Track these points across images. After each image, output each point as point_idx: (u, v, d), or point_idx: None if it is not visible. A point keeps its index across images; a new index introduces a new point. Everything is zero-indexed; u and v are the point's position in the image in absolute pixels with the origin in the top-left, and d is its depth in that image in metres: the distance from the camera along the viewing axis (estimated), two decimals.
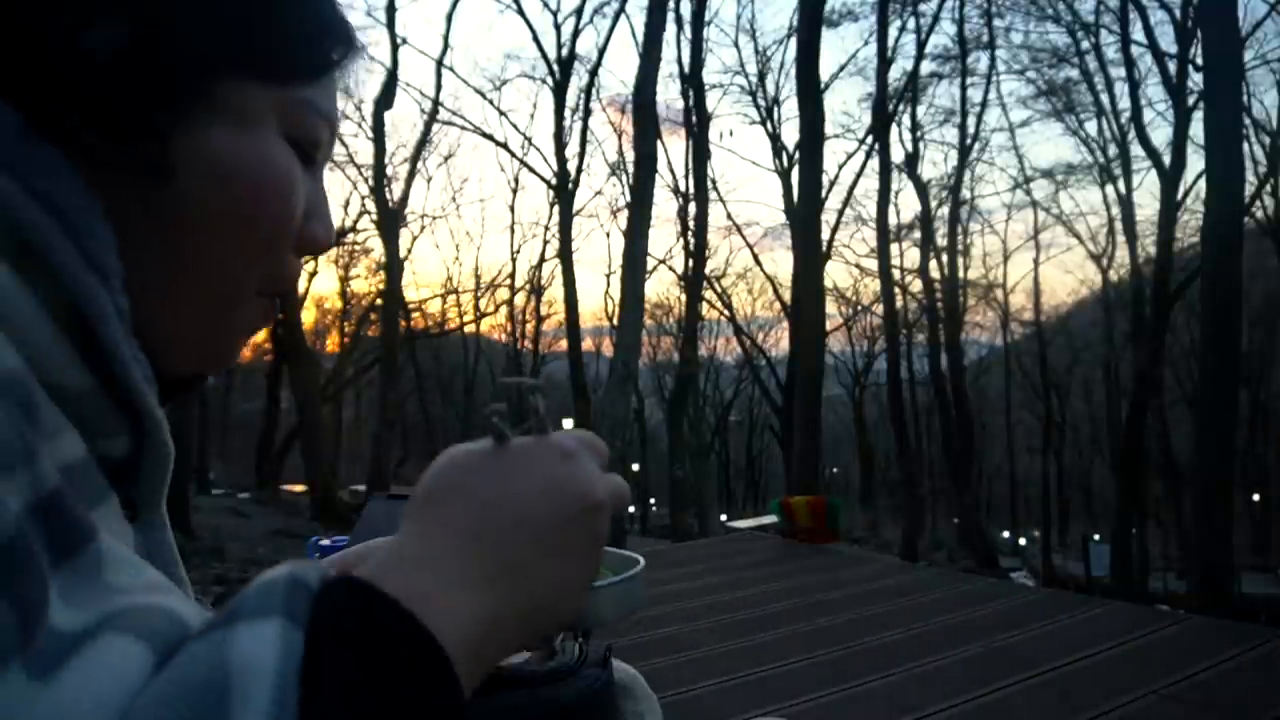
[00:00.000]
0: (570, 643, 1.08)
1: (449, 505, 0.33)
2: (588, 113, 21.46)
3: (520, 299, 27.52)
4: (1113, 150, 20.49)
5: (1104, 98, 19.85)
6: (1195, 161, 18.47)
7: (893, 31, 20.26)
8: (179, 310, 0.36)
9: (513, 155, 25.63)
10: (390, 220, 18.90)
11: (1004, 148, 41.56)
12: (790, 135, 21.29)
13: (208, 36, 0.34)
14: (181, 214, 0.34)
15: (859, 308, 27.49)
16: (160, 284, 0.35)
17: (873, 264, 23.08)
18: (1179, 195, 16.07)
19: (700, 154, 19.18)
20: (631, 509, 26.06)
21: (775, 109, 23.10)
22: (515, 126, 46.68)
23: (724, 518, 22.86)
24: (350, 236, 23.74)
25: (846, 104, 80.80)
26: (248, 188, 0.35)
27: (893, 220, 22.28)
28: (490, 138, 23.25)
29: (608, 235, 40.87)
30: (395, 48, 18.43)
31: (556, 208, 21.93)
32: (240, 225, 0.36)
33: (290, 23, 0.37)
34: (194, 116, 0.34)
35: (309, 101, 0.38)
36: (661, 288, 29.57)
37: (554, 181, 21.40)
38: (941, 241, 22.65)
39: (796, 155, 17.25)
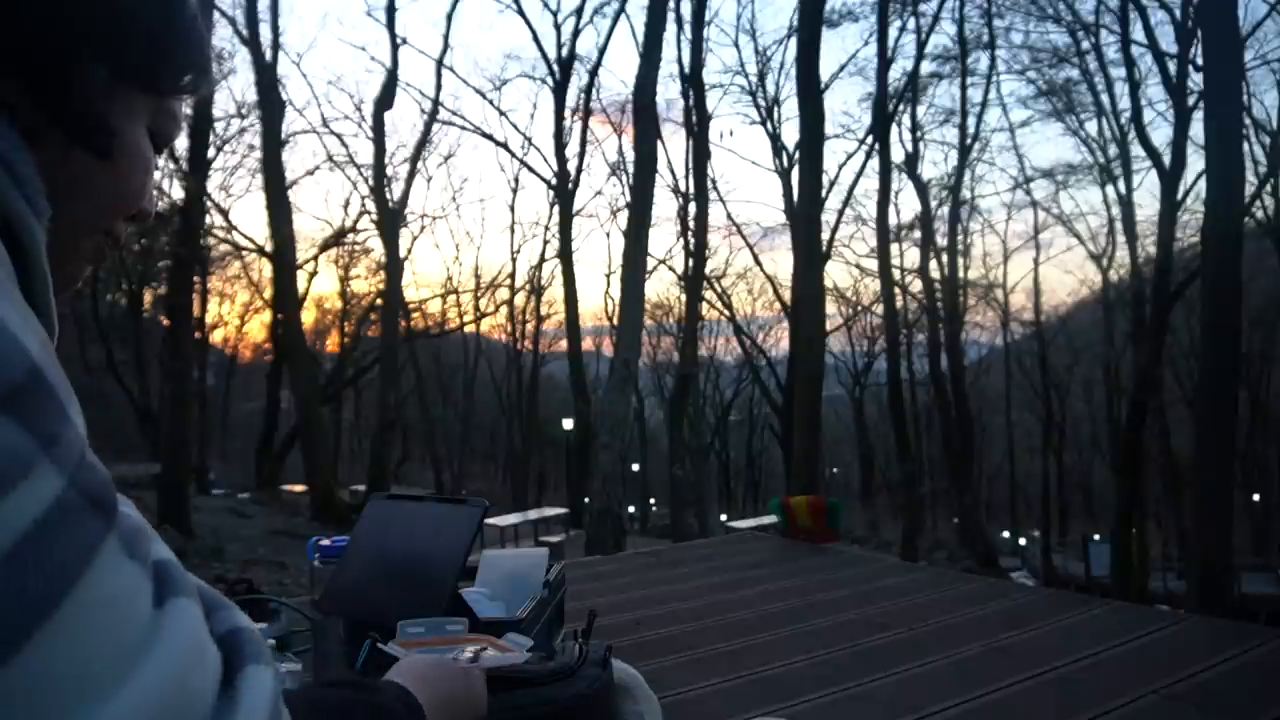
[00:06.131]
0: (570, 643, 1.08)
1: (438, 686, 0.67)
2: (588, 113, 21.49)
3: (520, 299, 27.50)
4: (1113, 150, 20.48)
5: (1104, 98, 19.84)
6: (1195, 161, 18.41)
7: (893, 31, 20.25)
8: (50, 247, 0.44)
9: (513, 155, 25.67)
10: (390, 220, 18.91)
11: (1004, 148, 41.39)
12: (790, 135, 21.30)
13: (135, 61, 0.46)
14: (81, 177, 0.45)
15: (859, 308, 27.47)
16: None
17: (873, 264, 23.09)
18: (1179, 195, 16.06)
19: (700, 154, 19.18)
20: (631, 509, 25.90)
21: (775, 109, 23.09)
22: (515, 126, 46.79)
23: (724, 518, 22.85)
24: (350, 236, 23.77)
25: (846, 104, 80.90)
26: (128, 167, 0.47)
27: (893, 220, 22.27)
28: (490, 138, 23.30)
29: (608, 235, 40.95)
30: (395, 48, 18.47)
31: (556, 208, 21.94)
32: (112, 192, 0.47)
33: (177, 57, 0.49)
34: (112, 111, 0.46)
35: (171, 109, 0.51)
36: (661, 288, 29.55)
37: (554, 181, 21.41)
38: (941, 241, 22.65)
39: (796, 155, 17.26)
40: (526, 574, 1.73)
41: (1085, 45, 19.45)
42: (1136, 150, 18.53)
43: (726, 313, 25.94)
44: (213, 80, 0.53)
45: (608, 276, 26.26)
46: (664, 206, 37.94)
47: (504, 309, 27.90)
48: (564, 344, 22.98)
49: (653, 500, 32.21)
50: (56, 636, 0.30)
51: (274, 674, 0.42)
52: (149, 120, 0.49)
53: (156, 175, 0.52)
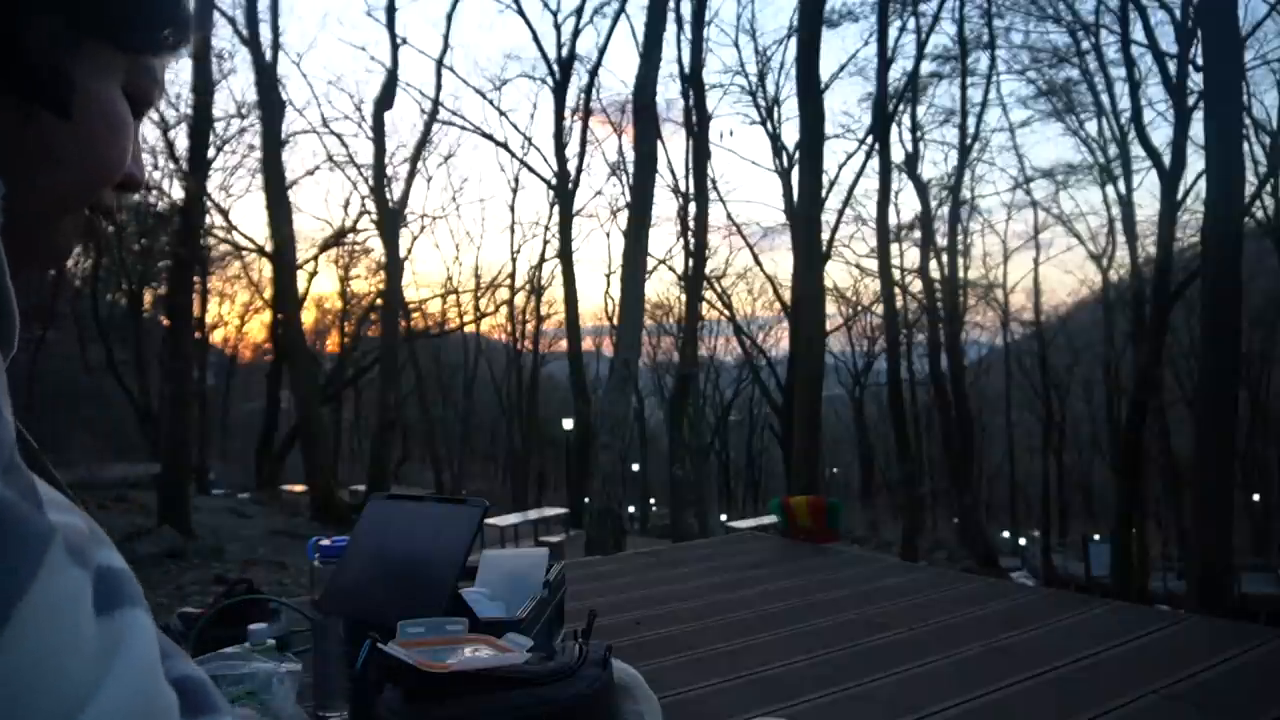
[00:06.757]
0: (570, 643, 1.08)
1: None
2: (588, 113, 21.51)
3: (520, 299, 27.52)
4: (1113, 150, 20.49)
5: (1104, 98, 19.85)
6: (1195, 161, 18.40)
7: (893, 31, 20.27)
8: (23, 220, 0.42)
9: (513, 155, 25.69)
10: (390, 220, 18.92)
11: (1004, 148, 41.39)
12: (790, 135, 21.31)
13: (100, 13, 0.43)
14: (50, 142, 0.42)
15: (859, 308, 27.49)
16: (16, 198, 0.41)
17: (873, 264, 23.10)
18: (1179, 195, 16.06)
19: (700, 154, 19.19)
20: (631, 509, 25.96)
21: (775, 109, 23.10)
22: (515, 126, 46.75)
23: (724, 518, 22.85)
24: (350, 236, 23.78)
25: (846, 104, 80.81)
26: (104, 129, 0.44)
27: (893, 220, 22.29)
28: (490, 138, 23.32)
29: (608, 235, 40.93)
30: (395, 48, 18.49)
31: (556, 208, 21.95)
32: (88, 158, 0.44)
33: (148, 10, 0.46)
34: (77, 69, 0.43)
35: (148, 68, 0.47)
36: (661, 288, 29.56)
37: (554, 181, 21.42)
38: (941, 241, 22.66)
39: (796, 155, 17.27)
40: (526, 574, 1.73)
41: (1085, 45, 19.48)
42: (1136, 150, 18.56)
43: (726, 313, 25.98)
44: (195, 38, 0.51)
45: (608, 276, 26.31)
46: (664, 206, 37.95)
47: (504, 309, 27.96)
48: (564, 344, 23.00)
49: (653, 500, 32.22)
50: (13, 646, 0.26)
51: None
52: (124, 80, 0.46)
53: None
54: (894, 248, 22.52)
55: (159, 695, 0.33)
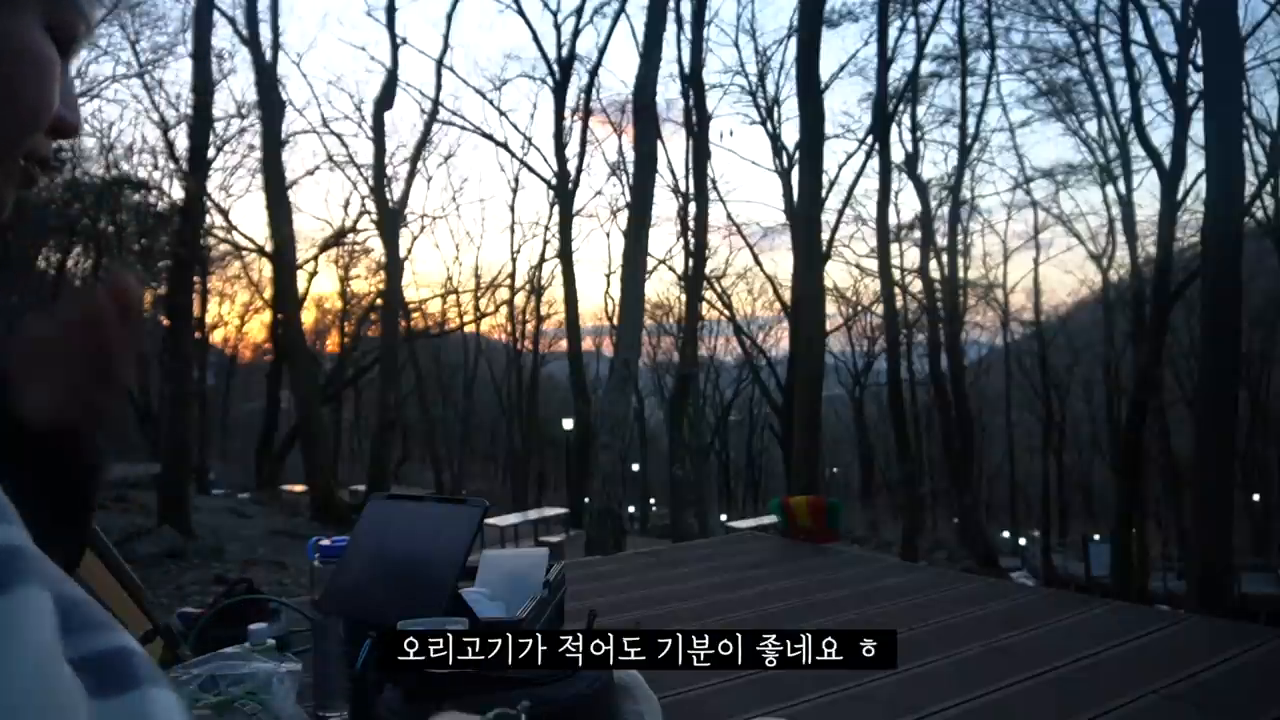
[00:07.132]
0: None
1: None
2: (588, 113, 21.51)
3: (520, 299, 27.51)
4: (1113, 150, 20.48)
5: (1104, 98, 19.84)
6: (1195, 161, 18.34)
7: (893, 31, 20.26)
8: None
9: (513, 155, 25.61)
10: (390, 220, 18.92)
11: (1004, 148, 41.28)
12: (790, 135, 21.29)
13: None
14: None
15: (859, 308, 27.48)
16: None
17: (873, 264, 23.09)
18: (1179, 195, 16.05)
19: (700, 154, 19.19)
20: (631, 509, 25.91)
21: (775, 109, 23.08)
22: (515, 126, 46.58)
23: (724, 518, 22.86)
24: (350, 236, 23.77)
25: (846, 104, 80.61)
26: (23, 69, 0.40)
27: (893, 220, 22.27)
28: (490, 138, 23.32)
29: (608, 235, 40.81)
30: (395, 48, 18.50)
31: (556, 208, 21.95)
32: (8, 100, 0.40)
33: None
34: None
35: (72, 1, 0.43)
36: (661, 288, 29.54)
37: (554, 181, 21.42)
38: (941, 241, 22.65)
39: (796, 155, 17.27)
40: (526, 574, 1.73)
41: (1085, 45, 19.47)
42: (1136, 150, 18.55)
43: (726, 313, 25.97)
44: None
45: (608, 276, 26.28)
46: (664, 206, 37.81)
47: (504, 309, 27.94)
48: (564, 344, 23.00)
49: (653, 500, 32.21)
50: None
51: (181, 704, 0.36)
52: (45, 16, 0.42)
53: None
54: (894, 248, 22.54)
55: (56, 677, 0.30)
